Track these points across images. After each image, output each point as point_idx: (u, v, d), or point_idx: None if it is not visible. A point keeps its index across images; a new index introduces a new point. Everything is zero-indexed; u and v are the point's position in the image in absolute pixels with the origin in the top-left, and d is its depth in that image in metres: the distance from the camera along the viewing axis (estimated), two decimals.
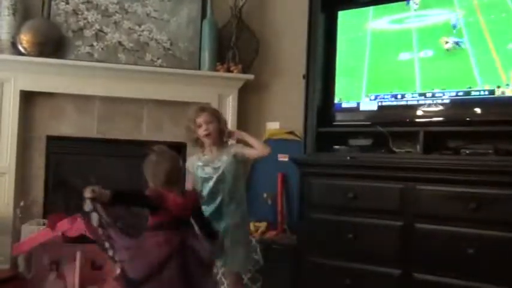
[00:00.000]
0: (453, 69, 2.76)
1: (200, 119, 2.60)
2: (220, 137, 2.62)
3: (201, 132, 2.59)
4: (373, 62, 3.04)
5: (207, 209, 2.51)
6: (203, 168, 2.60)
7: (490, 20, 2.66)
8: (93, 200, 1.94)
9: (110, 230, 2.00)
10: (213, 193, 2.55)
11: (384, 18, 3.03)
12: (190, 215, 2.18)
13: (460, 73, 2.74)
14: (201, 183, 2.60)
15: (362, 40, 3.08)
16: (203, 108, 2.70)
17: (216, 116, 2.64)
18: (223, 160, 2.56)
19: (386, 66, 2.99)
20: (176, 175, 2.18)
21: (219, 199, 2.55)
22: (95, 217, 1.96)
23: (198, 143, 2.64)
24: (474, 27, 2.71)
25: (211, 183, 2.55)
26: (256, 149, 2.60)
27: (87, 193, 1.93)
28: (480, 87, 2.64)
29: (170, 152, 2.26)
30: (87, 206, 1.95)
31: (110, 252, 2.03)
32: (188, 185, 2.65)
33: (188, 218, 2.17)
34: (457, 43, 2.74)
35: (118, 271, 2.10)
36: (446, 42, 2.77)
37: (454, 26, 2.76)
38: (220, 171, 2.55)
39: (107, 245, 2.01)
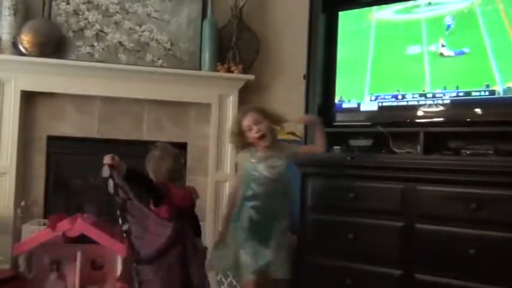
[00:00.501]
0: (468, 64, 2.57)
1: (247, 121, 2.39)
2: (273, 135, 2.41)
3: (253, 134, 2.38)
4: (377, 57, 2.92)
5: (259, 209, 2.39)
6: (256, 166, 2.41)
7: (511, 7, 2.46)
8: (111, 167, 1.94)
9: (127, 201, 2.00)
10: (267, 195, 2.40)
11: (389, 7, 2.86)
12: (189, 207, 2.21)
13: (476, 69, 2.55)
14: (250, 181, 2.43)
15: (365, 32, 2.94)
16: (247, 109, 2.48)
17: (263, 113, 2.42)
18: (280, 162, 2.40)
19: (392, 61, 2.87)
20: (178, 172, 2.21)
21: (275, 202, 2.41)
22: (111, 184, 1.95)
23: (246, 147, 2.43)
24: (492, 16, 2.50)
25: (266, 183, 2.39)
26: (317, 146, 2.49)
27: (107, 159, 1.94)
28: (500, 86, 2.49)
29: (173, 148, 2.28)
30: (105, 171, 1.94)
31: (119, 221, 2.02)
32: (236, 182, 2.54)
33: (187, 209, 2.19)
34: (455, 53, 2.60)
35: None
36: (443, 46, 2.65)
37: (448, 27, 2.67)
38: (276, 172, 2.40)
39: (118, 212, 2.00)
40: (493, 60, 2.53)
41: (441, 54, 2.71)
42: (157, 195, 2.07)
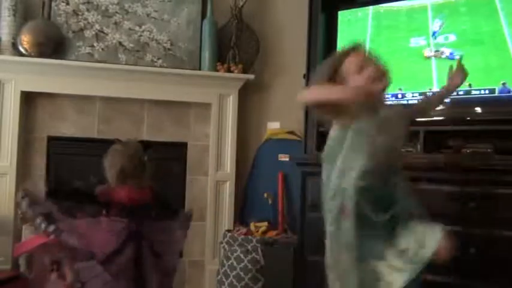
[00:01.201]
0: (484, 58, 2.26)
1: (356, 59, 1.63)
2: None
3: (366, 75, 1.57)
4: (376, 50, 2.75)
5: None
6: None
7: None
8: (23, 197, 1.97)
9: (50, 212, 1.98)
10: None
11: None
12: (149, 208, 2.11)
13: (493, 64, 2.24)
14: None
15: (361, 23, 2.69)
16: (347, 49, 1.69)
17: (368, 54, 1.67)
18: None
19: (393, 55, 2.62)
20: (133, 169, 2.10)
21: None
22: (24, 203, 1.98)
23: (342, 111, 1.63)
24: None
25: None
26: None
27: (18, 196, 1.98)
28: None
29: (136, 144, 2.21)
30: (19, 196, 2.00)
31: (42, 226, 1.99)
32: None
33: (145, 210, 2.08)
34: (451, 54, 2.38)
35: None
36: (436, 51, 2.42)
37: (434, 34, 2.49)
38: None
39: (38, 220, 1.99)
40: None
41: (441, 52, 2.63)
42: (102, 205, 2.01)
